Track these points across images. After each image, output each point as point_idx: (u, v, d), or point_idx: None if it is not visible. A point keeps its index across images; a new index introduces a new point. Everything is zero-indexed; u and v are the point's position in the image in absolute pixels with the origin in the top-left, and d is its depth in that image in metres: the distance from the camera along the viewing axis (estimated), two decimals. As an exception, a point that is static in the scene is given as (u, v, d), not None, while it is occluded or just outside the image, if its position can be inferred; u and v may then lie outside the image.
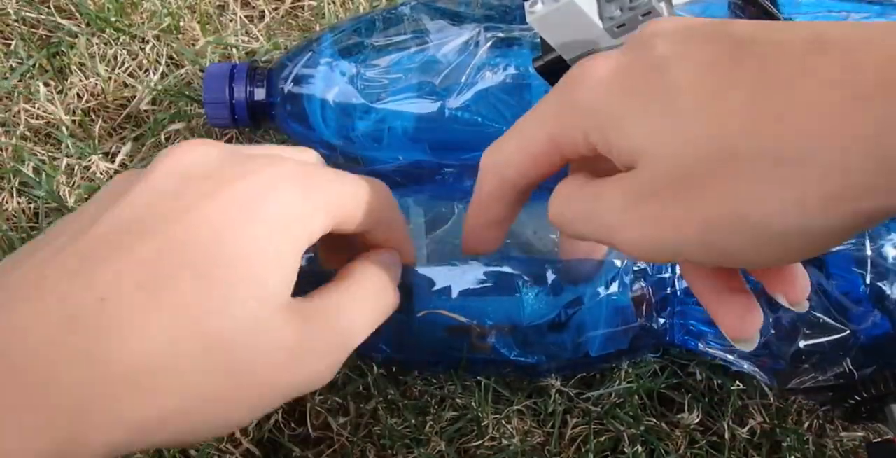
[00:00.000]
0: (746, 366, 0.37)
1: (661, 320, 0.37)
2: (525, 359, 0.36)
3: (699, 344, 0.37)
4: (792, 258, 0.20)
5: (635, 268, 0.35)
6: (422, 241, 0.34)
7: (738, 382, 0.41)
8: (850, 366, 0.34)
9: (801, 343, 0.34)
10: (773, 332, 0.35)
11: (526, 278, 0.34)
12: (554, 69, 0.29)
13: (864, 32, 0.17)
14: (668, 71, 0.20)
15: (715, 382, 0.41)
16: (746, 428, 0.40)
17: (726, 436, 0.40)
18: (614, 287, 0.35)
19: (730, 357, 0.37)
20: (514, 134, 0.25)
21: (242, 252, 0.21)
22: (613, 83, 0.21)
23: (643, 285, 0.36)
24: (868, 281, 0.35)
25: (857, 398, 0.35)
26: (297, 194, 0.23)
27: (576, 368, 0.40)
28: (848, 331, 0.34)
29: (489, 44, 0.38)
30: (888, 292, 0.34)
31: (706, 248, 0.19)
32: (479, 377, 0.40)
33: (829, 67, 0.17)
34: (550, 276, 0.34)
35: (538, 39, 0.38)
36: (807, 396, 0.40)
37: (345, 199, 0.25)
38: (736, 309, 0.24)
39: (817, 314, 0.34)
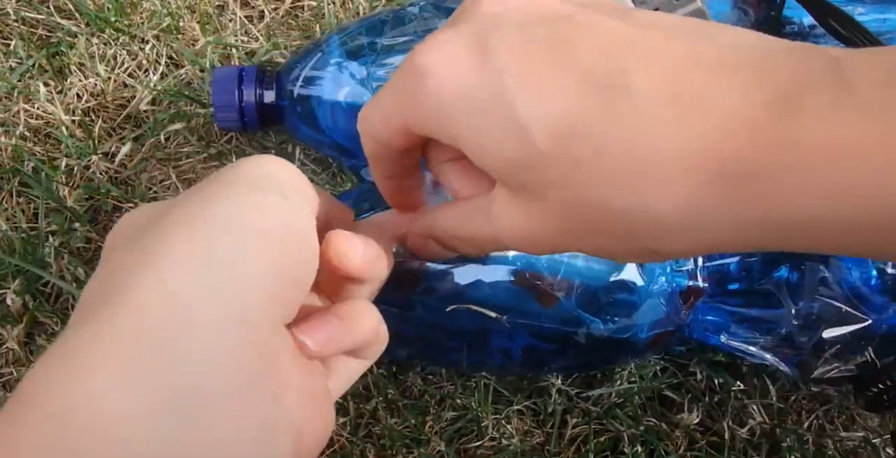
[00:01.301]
0: (769, 358, 0.37)
1: (684, 314, 0.37)
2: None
3: (721, 337, 0.37)
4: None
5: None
6: None
7: (738, 382, 0.41)
8: (873, 355, 0.35)
9: (824, 334, 0.34)
10: (795, 323, 0.35)
11: None
12: None
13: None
14: (514, 89, 0.19)
15: (715, 382, 0.41)
16: (746, 428, 0.40)
17: (726, 436, 0.40)
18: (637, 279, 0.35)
19: (752, 349, 0.37)
20: (377, 105, 0.24)
21: None
22: (453, 97, 0.21)
23: (664, 279, 0.36)
24: (878, 272, 0.35)
25: (881, 386, 0.35)
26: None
27: (596, 362, 0.40)
28: (869, 321, 0.34)
29: None
30: None
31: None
32: (483, 373, 0.40)
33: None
34: None
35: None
36: (830, 386, 0.40)
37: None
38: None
39: (838, 304, 0.34)
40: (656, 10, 0.27)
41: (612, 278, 0.35)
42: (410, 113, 0.22)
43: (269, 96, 0.42)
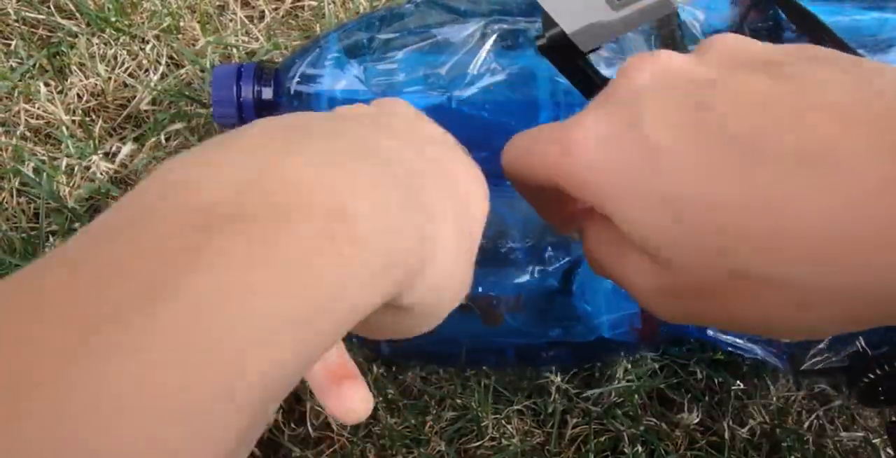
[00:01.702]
0: (759, 351, 0.37)
1: None
2: (538, 333, 0.35)
3: (709, 331, 0.37)
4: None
5: None
6: None
7: (738, 382, 0.41)
8: (864, 345, 0.34)
9: None
10: None
11: (519, 251, 0.35)
12: (557, 46, 0.29)
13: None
14: (659, 159, 0.19)
15: (715, 381, 0.41)
16: (746, 428, 0.40)
17: (726, 436, 0.40)
18: None
19: (739, 342, 0.37)
20: (525, 159, 0.23)
21: None
22: (607, 161, 0.20)
23: None
24: None
25: (872, 375, 0.34)
26: None
27: (590, 355, 0.40)
28: None
29: (495, 36, 0.38)
30: None
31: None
32: (485, 368, 0.40)
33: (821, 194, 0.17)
34: (545, 247, 0.35)
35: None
36: (821, 377, 0.40)
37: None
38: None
39: None
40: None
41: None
42: (559, 179, 0.22)
43: (267, 93, 0.42)
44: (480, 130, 0.38)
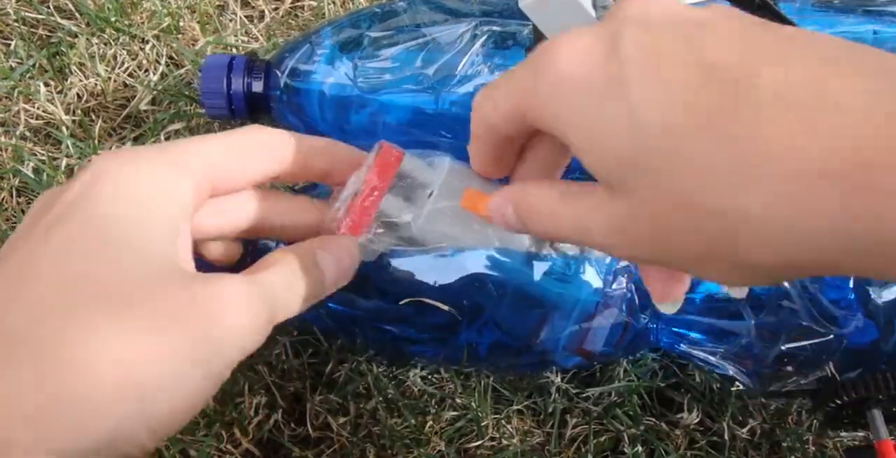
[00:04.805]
0: (731, 369, 0.37)
1: (644, 319, 0.37)
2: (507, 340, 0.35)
3: (682, 346, 0.37)
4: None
5: (619, 266, 0.35)
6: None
7: (737, 382, 0.41)
8: (833, 370, 0.34)
9: (784, 346, 0.34)
10: (755, 334, 0.35)
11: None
12: None
13: (844, 99, 0.17)
14: (629, 84, 0.19)
15: (715, 381, 0.41)
16: (746, 428, 0.40)
17: (726, 436, 0.40)
18: (595, 280, 0.35)
19: (712, 359, 0.37)
20: (495, 86, 0.24)
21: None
22: (574, 82, 0.21)
23: (624, 282, 0.36)
24: (852, 285, 0.35)
25: (838, 401, 0.34)
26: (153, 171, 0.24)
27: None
28: (832, 335, 0.34)
29: (485, 37, 0.38)
30: (873, 295, 0.34)
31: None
32: (482, 370, 0.40)
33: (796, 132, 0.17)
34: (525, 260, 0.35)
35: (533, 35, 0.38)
36: (789, 399, 0.40)
37: (213, 157, 0.25)
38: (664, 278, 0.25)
39: (799, 318, 0.34)
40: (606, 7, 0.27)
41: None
42: (528, 96, 0.22)
43: (258, 86, 0.42)
44: (467, 131, 0.38)
